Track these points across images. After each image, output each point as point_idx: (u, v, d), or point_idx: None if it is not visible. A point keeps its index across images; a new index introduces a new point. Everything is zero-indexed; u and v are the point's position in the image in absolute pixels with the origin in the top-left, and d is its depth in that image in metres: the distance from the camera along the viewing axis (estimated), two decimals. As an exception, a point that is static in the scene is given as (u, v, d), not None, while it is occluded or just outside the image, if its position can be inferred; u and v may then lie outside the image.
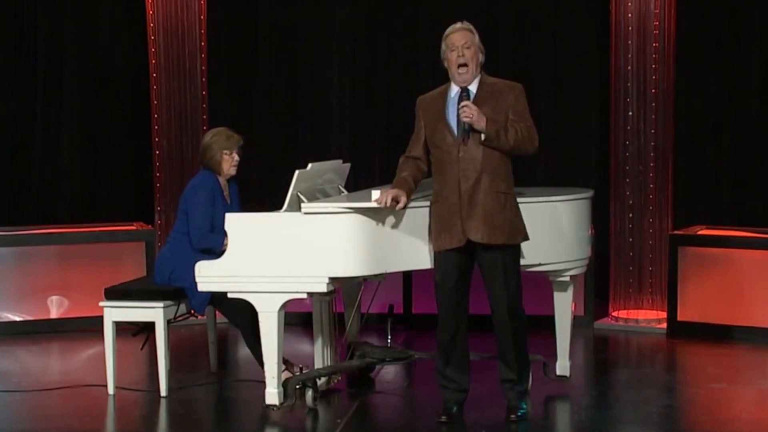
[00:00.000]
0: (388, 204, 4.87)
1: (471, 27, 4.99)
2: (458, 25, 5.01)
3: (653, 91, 7.23)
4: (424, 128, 5.01)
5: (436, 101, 5.01)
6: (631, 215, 7.32)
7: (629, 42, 7.24)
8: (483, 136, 4.82)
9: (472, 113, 4.79)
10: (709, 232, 7.20)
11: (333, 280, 4.99)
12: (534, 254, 5.18)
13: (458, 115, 4.84)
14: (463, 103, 4.84)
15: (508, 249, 4.93)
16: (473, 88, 4.93)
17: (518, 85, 4.99)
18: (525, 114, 4.93)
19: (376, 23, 8.42)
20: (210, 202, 5.60)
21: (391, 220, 5.01)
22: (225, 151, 5.70)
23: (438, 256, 4.97)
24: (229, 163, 5.72)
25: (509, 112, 4.89)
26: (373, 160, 8.43)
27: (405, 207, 4.98)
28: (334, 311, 5.59)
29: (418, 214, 5.07)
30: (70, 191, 8.43)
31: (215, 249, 5.48)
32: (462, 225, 4.86)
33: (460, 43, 4.91)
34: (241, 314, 5.39)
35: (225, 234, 5.45)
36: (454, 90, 4.96)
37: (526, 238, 5.00)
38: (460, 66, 4.90)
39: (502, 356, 5.07)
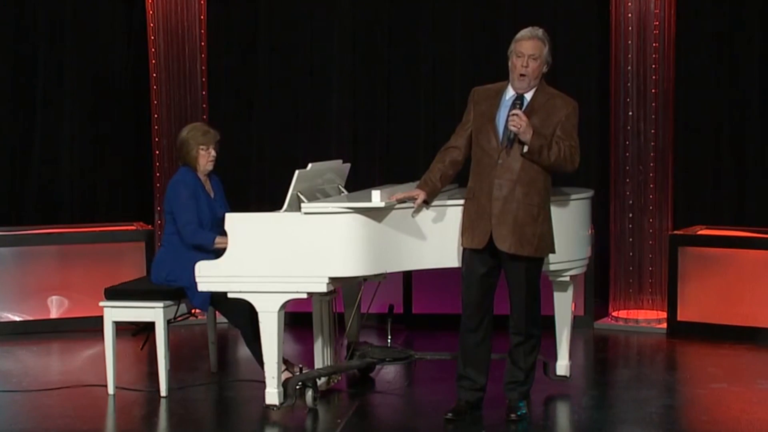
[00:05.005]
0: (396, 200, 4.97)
1: (544, 37, 4.89)
2: (532, 31, 4.89)
3: (653, 91, 7.23)
4: (473, 122, 4.98)
5: (491, 98, 4.95)
6: (631, 215, 7.32)
7: (629, 42, 7.24)
8: (525, 148, 4.80)
9: (520, 123, 4.75)
10: (709, 232, 7.20)
11: (333, 280, 4.99)
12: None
13: (507, 121, 4.82)
14: (513, 112, 4.79)
15: (534, 260, 4.94)
16: (528, 96, 4.89)
17: (574, 102, 4.94)
18: (572, 133, 4.90)
19: (376, 23, 8.42)
20: (192, 196, 5.60)
21: (391, 220, 5.01)
22: (201, 147, 5.70)
23: (464, 250, 4.99)
24: (206, 158, 5.72)
25: (557, 128, 4.86)
26: (373, 160, 8.43)
27: (422, 207, 5.04)
28: (334, 311, 5.59)
29: (419, 215, 5.08)
30: (71, 191, 8.43)
31: (206, 246, 5.49)
32: (489, 230, 4.86)
33: (529, 52, 4.84)
34: (241, 314, 5.39)
35: (216, 232, 5.49)
36: (509, 93, 4.92)
37: (552, 251, 5.03)
38: (521, 75, 4.86)
39: (512, 358, 5.09)
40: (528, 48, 4.86)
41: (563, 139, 4.86)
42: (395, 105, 8.43)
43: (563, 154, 4.84)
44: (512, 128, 4.79)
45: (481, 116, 4.95)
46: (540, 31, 4.92)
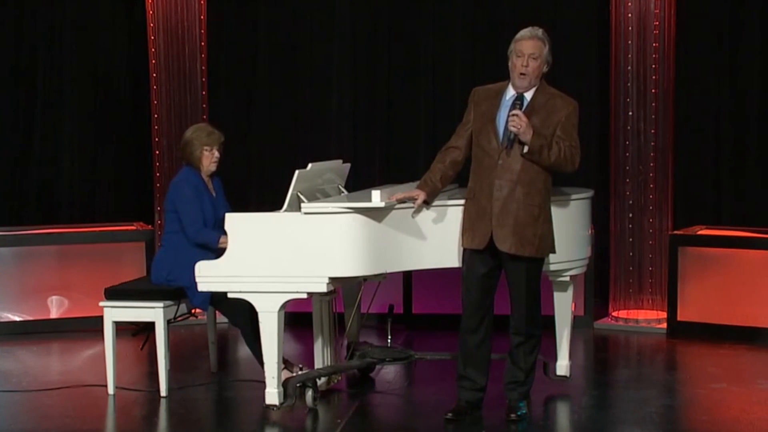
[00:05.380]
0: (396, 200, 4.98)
1: (544, 37, 4.89)
2: (532, 31, 4.89)
3: (653, 91, 7.23)
4: (473, 122, 4.98)
5: (491, 98, 4.95)
6: (631, 215, 7.32)
7: (629, 42, 7.24)
8: (525, 149, 4.80)
9: (520, 124, 4.75)
10: (709, 232, 7.20)
11: (333, 280, 4.99)
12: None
13: (507, 121, 4.81)
14: (513, 112, 4.79)
15: (534, 260, 4.94)
16: (528, 95, 4.89)
17: (574, 102, 4.94)
18: (572, 133, 4.90)
19: (377, 23, 8.42)
20: (196, 195, 5.61)
21: (391, 220, 5.01)
22: (205, 148, 5.71)
23: (465, 251, 4.99)
24: (210, 159, 5.73)
25: (557, 128, 4.86)
26: (373, 160, 8.43)
27: (422, 207, 5.04)
28: (334, 311, 5.59)
29: (419, 215, 5.08)
30: (70, 191, 8.44)
31: (211, 245, 5.50)
32: (490, 231, 4.86)
33: (528, 52, 4.84)
34: (241, 314, 5.39)
35: (221, 232, 5.50)
36: (510, 93, 4.92)
37: (553, 251, 5.03)
38: (521, 74, 4.86)
39: (512, 358, 5.09)
40: (528, 47, 4.86)
41: (563, 139, 4.86)
42: (395, 105, 8.43)
43: (563, 154, 4.84)
44: (512, 128, 4.79)
45: (481, 116, 4.95)
46: (540, 31, 4.91)
